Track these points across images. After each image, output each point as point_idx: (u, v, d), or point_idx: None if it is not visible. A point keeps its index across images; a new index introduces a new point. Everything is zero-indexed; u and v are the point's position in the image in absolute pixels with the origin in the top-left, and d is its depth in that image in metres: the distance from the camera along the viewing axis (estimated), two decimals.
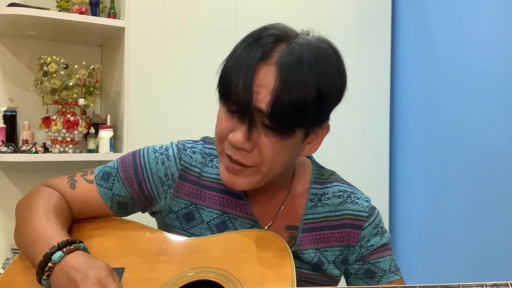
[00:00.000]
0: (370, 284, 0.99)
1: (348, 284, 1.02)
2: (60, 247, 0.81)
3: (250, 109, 0.80)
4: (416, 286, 0.77)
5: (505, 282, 0.76)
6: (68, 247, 0.82)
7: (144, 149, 0.99)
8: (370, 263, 0.99)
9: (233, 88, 0.81)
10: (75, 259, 0.81)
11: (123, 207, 0.97)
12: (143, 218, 1.01)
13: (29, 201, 0.93)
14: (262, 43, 0.81)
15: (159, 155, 0.97)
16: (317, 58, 0.81)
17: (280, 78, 0.79)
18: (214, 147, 1.00)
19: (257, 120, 0.81)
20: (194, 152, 0.98)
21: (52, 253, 0.81)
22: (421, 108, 2.43)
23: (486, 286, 0.76)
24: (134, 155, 0.98)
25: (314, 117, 0.83)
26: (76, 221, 0.97)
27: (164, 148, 0.99)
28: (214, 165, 0.98)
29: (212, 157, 0.99)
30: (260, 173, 0.86)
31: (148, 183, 0.96)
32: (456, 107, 2.22)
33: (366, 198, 1.01)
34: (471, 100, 2.15)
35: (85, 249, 0.86)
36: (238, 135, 0.82)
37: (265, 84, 0.79)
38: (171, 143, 1.00)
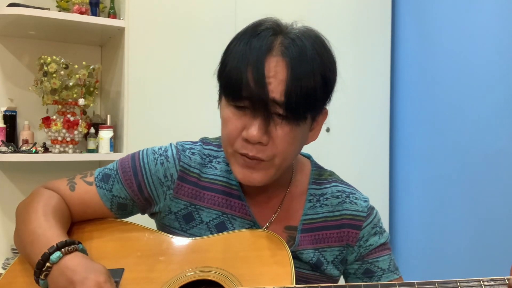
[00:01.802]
0: None
1: None
2: (58, 248, 0.82)
3: (265, 101, 0.81)
4: (414, 283, 0.77)
5: (502, 277, 0.77)
6: (66, 247, 0.82)
7: (143, 150, 0.99)
8: (369, 263, 0.99)
9: (244, 84, 0.81)
10: (73, 260, 0.81)
11: (122, 209, 0.98)
12: (142, 219, 1.02)
13: (29, 203, 0.94)
14: (262, 37, 0.83)
15: (158, 157, 0.97)
16: (315, 44, 0.85)
17: (290, 67, 0.81)
18: (213, 148, 1.00)
19: (271, 111, 0.82)
20: (193, 153, 0.98)
21: (51, 253, 0.81)
22: (421, 108, 2.43)
23: (483, 281, 0.76)
24: (134, 157, 0.98)
25: (322, 101, 0.87)
26: (76, 222, 0.97)
27: (163, 149, 0.99)
28: (213, 166, 0.98)
29: (211, 158, 0.99)
30: (274, 166, 0.87)
31: (148, 184, 0.96)
32: (456, 107, 2.22)
33: (365, 198, 1.02)
34: (471, 100, 2.16)
35: (83, 251, 0.86)
36: (254, 130, 0.83)
37: (275, 74, 0.81)
38: (170, 144, 1.00)
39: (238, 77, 0.82)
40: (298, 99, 0.81)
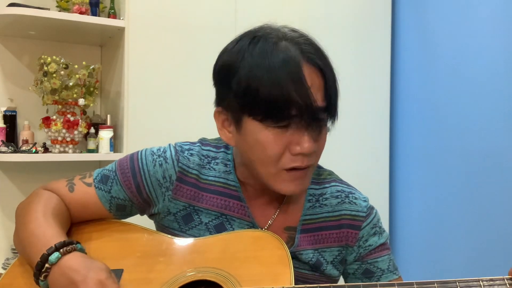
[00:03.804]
0: None
1: None
2: (57, 248, 0.82)
3: (314, 112, 0.82)
4: (413, 283, 0.77)
5: (501, 277, 0.77)
6: (65, 248, 0.82)
7: (142, 151, 0.99)
8: (368, 263, 0.99)
9: (292, 102, 0.80)
10: (72, 260, 0.81)
11: (121, 210, 0.98)
12: (141, 220, 1.02)
13: (28, 204, 0.94)
14: (281, 49, 0.82)
15: (157, 158, 0.97)
16: (318, 44, 0.87)
17: (322, 72, 0.84)
18: (211, 149, 1.00)
19: (319, 120, 0.85)
20: (191, 154, 0.98)
21: (49, 254, 0.81)
22: (421, 108, 2.43)
23: (482, 281, 0.76)
24: (132, 158, 0.98)
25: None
26: (75, 224, 0.97)
27: (162, 150, 0.98)
28: (212, 167, 0.98)
29: (209, 159, 0.99)
30: (314, 166, 0.92)
31: (146, 186, 0.96)
32: (456, 107, 2.22)
33: (364, 198, 1.02)
34: (471, 100, 2.15)
35: (82, 250, 0.86)
36: (306, 142, 0.83)
37: (313, 83, 0.82)
38: (169, 145, 1.00)
39: (282, 99, 0.80)
40: (335, 100, 0.86)
